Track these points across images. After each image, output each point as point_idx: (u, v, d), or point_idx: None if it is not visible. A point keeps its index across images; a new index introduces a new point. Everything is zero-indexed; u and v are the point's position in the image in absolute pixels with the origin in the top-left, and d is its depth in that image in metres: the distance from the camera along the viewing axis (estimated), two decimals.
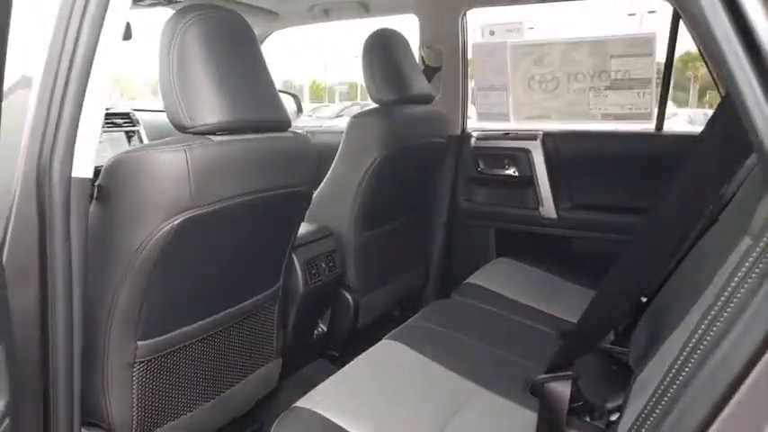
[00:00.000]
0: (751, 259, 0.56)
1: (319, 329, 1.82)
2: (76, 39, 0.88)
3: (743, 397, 0.46)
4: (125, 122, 2.10)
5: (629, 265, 1.07)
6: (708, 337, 0.56)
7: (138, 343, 1.11)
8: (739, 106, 0.47)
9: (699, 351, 0.57)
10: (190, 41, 1.06)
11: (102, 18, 0.89)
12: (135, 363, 1.12)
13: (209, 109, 1.07)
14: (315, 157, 1.32)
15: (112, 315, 1.06)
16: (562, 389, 1.13)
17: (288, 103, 2.77)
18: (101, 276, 1.04)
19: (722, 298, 0.58)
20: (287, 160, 1.24)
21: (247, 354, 1.39)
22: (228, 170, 1.09)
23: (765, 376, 0.46)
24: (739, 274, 0.57)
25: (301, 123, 3.74)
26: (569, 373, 1.13)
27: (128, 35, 1.94)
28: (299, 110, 2.83)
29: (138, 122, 2.14)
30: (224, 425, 1.38)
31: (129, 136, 2.10)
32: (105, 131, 2.04)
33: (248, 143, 1.13)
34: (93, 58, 0.89)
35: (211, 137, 1.08)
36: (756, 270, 0.54)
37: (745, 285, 0.55)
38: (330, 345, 1.85)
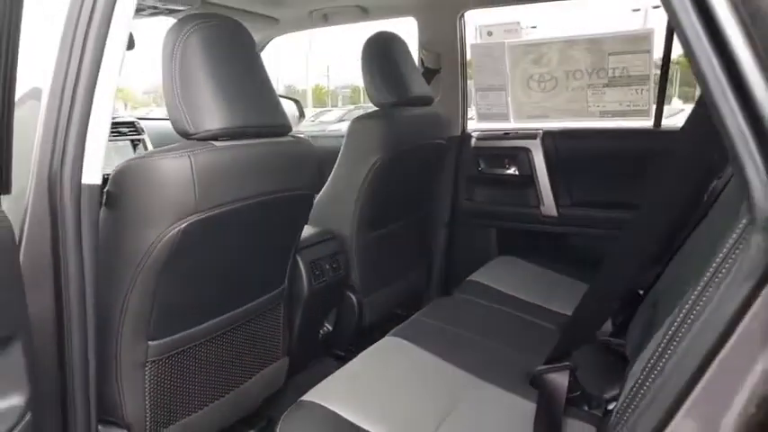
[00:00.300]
0: (729, 243, 0.59)
1: (325, 329, 1.86)
2: (82, 51, 0.91)
3: (708, 381, 0.49)
4: (130, 131, 2.15)
5: (619, 258, 1.10)
6: (687, 323, 0.59)
7: (149, 343, 1.15)
8: (714, 114, 0.50)
9: (678, 336, 0.60)
10: (191, 50, 1.10)
11: (107, 30, 0.93)
12: (147, 362, 1.16)
13: (212, 115, 1.10)
14: (316, 160, 1.36)
15: (124, 316, 1.10)
16: (560, 379, 1.15)
17: (290, 109, 2.82)
18: (112, 279, 1.08)
19: (701, 283, 0.60)
20: (288, 164, 1.27)
21: (255, 353, 1.42)
22: (232, 174, 1.12)
23: (732, 358, 0.48)
24: (717, 259, 0.60)
25: (304, 128, 3.78)
26: (567, 364, 1.16)
27: (130, 45, 1.98)
28: (301, 115, 2.86)
29: (142, 131, 2.19)
30: (233, 422, 1.42)
31: (134, 144, 2.15)
32: (111, 140, 2.08)
33: (250, 148, 1.17)
34: (98, 70, 0.92)
35: (214, 142, 1.11)
36: (733, 255, 0.57)
37: (723, 270, 0.57)
38: (336, 344, 1.88)
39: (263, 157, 1.20)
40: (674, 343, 0.60)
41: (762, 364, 0.46)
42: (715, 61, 0.49)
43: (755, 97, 0.46)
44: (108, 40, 0.93)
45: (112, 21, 0.94)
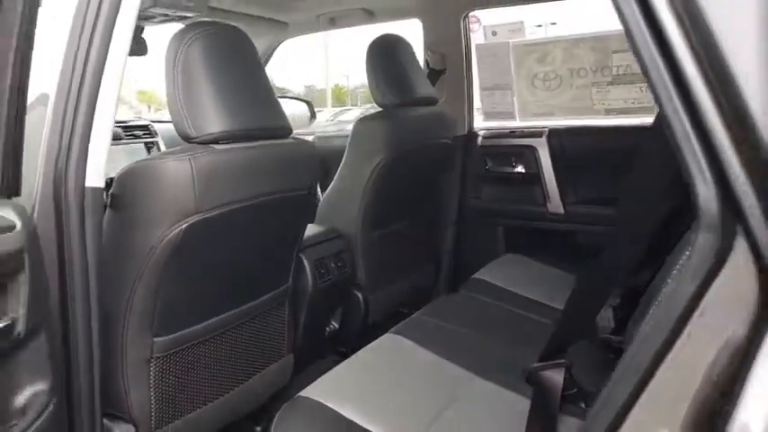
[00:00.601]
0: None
1: (331, 327, 1.88)
2: (85, 62, 0.96)
3: (657, 383, 0.51)
4: (144, 134, 2.21)
5: (605, 252, 1.12)
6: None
7: (154, 339, 1.19)
8: (661, 111, 0.52)
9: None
10: (192, 56, 1.14)
11: (108, 42, 0.97)
12: (152, 358, 1.20)
13: (212, 119, 1.14)
14: (316, 161, 1.39)
15: (129, 313, 1.14)
16: (556, 377, 1.17)
17: (302, 110, 2.86)
18: (117, 278, 1.12)
19: (668, 282, 0.62)
20: (288, 165, 1.31)
21: (260, 350, 1.46)
22: (232, 176, 1.16)
23: (679, 360, 0.50)
24: (683, 258, 0.62)
25: (323, 127, 3.82)
26: (562, 361, 1.18)
27: (143, 51, 2.04)
28: (313, 115, 2.90)
29: (156, 134, 2.25)
30: (239, 418, 1.46)
31: (148, 147, 2.20)
32: (126, 143, 2.14)
33: (250, 150, 1.20)
34: (101, 79, 0.97)
35: (215, 146, 1.15)
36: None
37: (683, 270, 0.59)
38: (342, 341, 1.91)
39: (263, 159, 1.24)
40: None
41: (706, 367, 0.48)
42: (666, 76, 0.51)
43: (696, 96, 0.48)
44: (109, 52, 0.97)
45: (114, 30, 0.98)
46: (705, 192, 0.48)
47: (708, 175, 0.48)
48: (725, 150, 0.47)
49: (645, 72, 0.53)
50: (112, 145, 2.15)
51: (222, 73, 1.17)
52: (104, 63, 0.97)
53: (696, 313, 0.49)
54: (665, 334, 0.50)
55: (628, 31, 0.54)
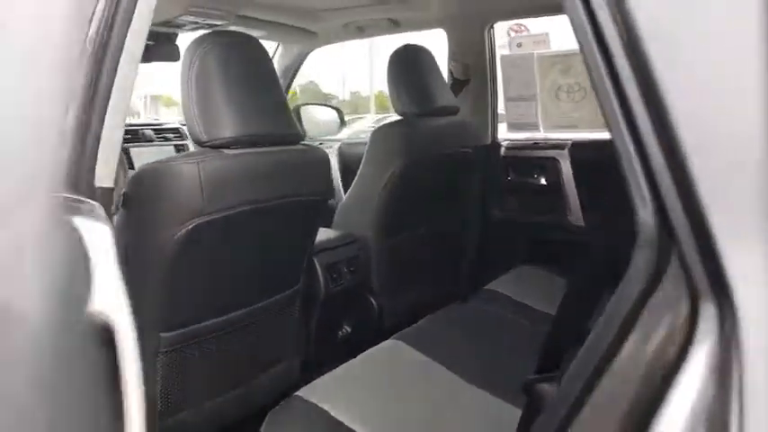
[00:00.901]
0: None
1: (344, 331, 1.91)
2: (99, 69, 1.01)
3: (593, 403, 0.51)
4: (175, 137, 2.30)
5: (591, 260, 1.11)
6: None
7: (161, 335, 1.24)
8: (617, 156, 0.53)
9: None
10: (206, 64, 1.19)
11: (120, 49, 1.02)
12: (159, 352, 1.25)
13: (223, 125, 1.19)
14: (327, 167, 1.42)
15: (137, 309, 1.19)
16: (550, 389, 1.16)
17: (332, 116, 2.92)
18: (127, 273, 1.18)
19: None
20: (296, 171, 1.34)
21: (267, 350, 1.49)
22: (239, 180, 1.20)
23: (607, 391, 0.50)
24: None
25: (365, 135, 3.88)
26: (556, 374, 1.17)
27: (176, 57, 2.13)
28: (343, 122, 2.95)
29: (186, 136, 2.33)
30: (246, 416, 1.49)
31: (178, 149, 2.29)
32: (157, 145, 2.23)
33: (258, 156, 1.25)
34: (112, 85, 1.02)
35: (225, 150, 1.20)
36: None
37: None
38: (354, 346, 1.93)
39: (270, 165, 1.28)
40: None
41: (636, 385, 0.48)
42: (615, 103, 0.52)
43: (637, 124, 0.49)
44: (121, 58, 1.02)
45: (127, 37, 1.03)
46: (643, 210, 0.49)
47: (646, 194, 0.49)
48: (661, 173, 0.47)
49: (596, 93, 0.54)
50: (144, 146, 2.25)
51: (234, 81, 1.21)
52: (116, 70, 1.03)
53: (633, 331, 0.49)
54: (607, 342, 0.50)
55: (582, 52, 0.55)
